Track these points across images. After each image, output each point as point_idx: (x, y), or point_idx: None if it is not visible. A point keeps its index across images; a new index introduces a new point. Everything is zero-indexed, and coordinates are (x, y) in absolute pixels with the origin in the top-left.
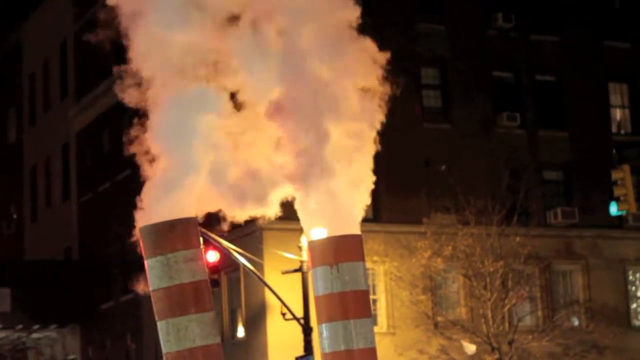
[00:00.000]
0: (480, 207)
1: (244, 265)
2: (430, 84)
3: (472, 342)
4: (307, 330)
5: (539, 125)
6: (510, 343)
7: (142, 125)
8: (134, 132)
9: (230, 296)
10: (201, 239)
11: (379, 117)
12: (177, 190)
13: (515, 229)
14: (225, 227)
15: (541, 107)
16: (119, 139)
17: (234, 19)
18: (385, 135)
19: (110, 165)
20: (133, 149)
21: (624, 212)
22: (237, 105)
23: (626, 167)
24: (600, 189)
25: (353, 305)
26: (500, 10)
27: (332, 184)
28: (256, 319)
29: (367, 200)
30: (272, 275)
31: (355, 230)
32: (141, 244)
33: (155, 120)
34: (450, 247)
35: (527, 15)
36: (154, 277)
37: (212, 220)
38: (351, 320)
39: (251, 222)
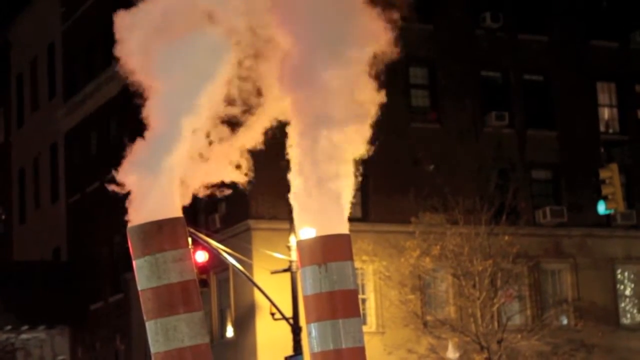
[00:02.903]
0: (468, 206)
1: (233, 265)
2: (419, 83)
3: (461, 341)
4: (296, 330)
5: (527, 124)
6: (499, 342)
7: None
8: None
9: (219, 296)
10: (190, 239)
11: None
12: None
13: (503, 228)
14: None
15: (529, 106)
16: (107, 139)
17: None
18: (373, 135)
19: (98, 166)
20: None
21: (612, 211)
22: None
23: (614, 166)
24: (588, 188)
25: (342, 304)
26: (488, 10)
27: (323, 180)
28: (245, 319)
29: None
30: (261, 275)
31: (344, 229)
32: (130, 244)
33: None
34: (438, 247)
35: (515, 14)
36: (143, 277)
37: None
38: (340, 320)
39: (240, 221)
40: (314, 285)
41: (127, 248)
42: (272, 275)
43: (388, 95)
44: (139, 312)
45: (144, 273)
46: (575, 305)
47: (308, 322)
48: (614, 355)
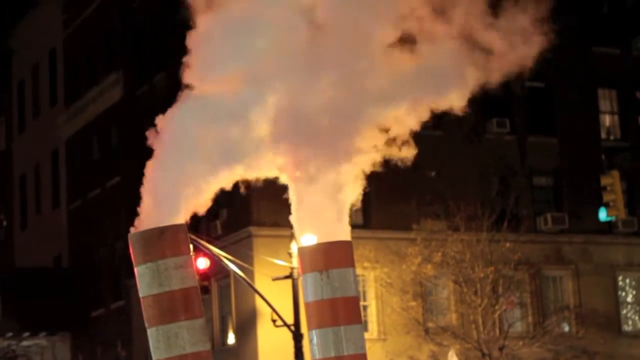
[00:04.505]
0: (470, 213)
1: (234, 272)
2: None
3: (462, 348)
4: (297, 337)
5: (528, 131)
6: (500, 349)
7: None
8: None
9: (221, 303)
10: (191, 246)
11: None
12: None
13: (505, 234)
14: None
15: (531, 113)
16: (108, 145)
17: None
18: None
19: (100, 172)
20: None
21: (613, 218)
22: None
23: (615, 173)
24: (589, 194)
25: (343, 311)
26: None
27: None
28: (247, 326)
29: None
30: (262, 281)
31: (346, 236)
32: (131, 251)
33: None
34: (440, 253)
35: None
36: (144, 284)
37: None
38: (341, 327)
39: (242, 228)
40: (315, 292)
41: (129, 254)
42: (274, 282)
43: None
44: (140, 318)
45: (145, 280)
46: (577, 312)
47: (309, 328)
48: None
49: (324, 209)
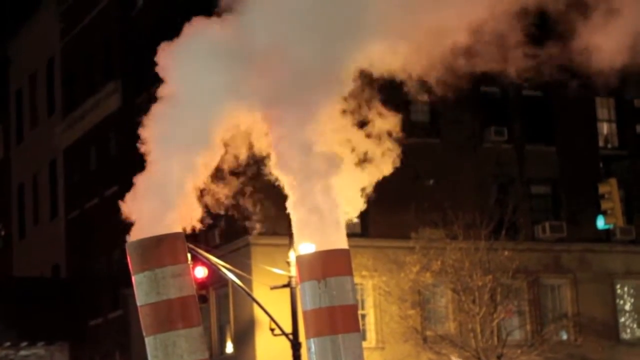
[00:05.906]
0: (468, 221)
1: (233, 281)
2: (418, 98)
3: (461, 357)
4: (296, 346)
5: (526, 139)
6: (499, 357)
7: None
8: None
9: (219, 312)
10: (189, 255)
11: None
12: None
13: (503, 243)
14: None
15: (528, 121)
16: (106, 155)
17: None
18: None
19: (98, 182)
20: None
21: (611, 226)
22: None
23: (613, 181)
24: (587, 202)
25: (341, 319)
26: None
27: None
28: (245, 335)
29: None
30: (260, 290)
31: (343, 244)
32: (129, 260)
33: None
34: (438, 262)
35: None
36: (142, 293)
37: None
38: (339, 335)
39: (240, 236)
40: (313, 301)
41: (127, 264)
42: (272, 290)
43: (388, 109)
44: (139, 328)
45: (143, 289)
46: (575, 320)
47: (307, 337)
48: None
49: (322, 215)
